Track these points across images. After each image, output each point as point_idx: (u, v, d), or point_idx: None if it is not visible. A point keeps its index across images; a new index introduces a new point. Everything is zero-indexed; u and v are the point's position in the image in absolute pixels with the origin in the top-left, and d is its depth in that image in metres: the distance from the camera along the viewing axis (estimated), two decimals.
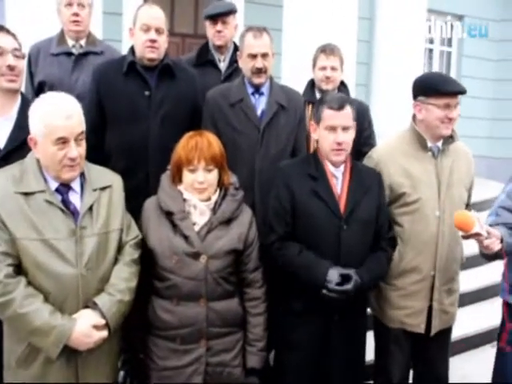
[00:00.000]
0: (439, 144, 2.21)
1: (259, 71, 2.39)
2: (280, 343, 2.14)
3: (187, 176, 1.93)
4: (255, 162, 2.36)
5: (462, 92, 2.08)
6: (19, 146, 1.95)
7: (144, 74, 2.40)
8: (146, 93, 2.39)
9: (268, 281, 2.10)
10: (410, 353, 2.33)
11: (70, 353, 1.73)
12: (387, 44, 6.05)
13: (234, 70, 2.85)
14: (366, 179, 2.10)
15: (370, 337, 2.48)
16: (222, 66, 2.98)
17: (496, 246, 1.97)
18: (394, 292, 2.25)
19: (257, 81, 2.41)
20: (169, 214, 1.94)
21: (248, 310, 2.05)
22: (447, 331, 2.37)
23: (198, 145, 1.92)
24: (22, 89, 2.87)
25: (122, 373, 2.12)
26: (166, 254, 1.91)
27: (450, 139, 2.21)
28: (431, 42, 7.50)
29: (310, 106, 2.76)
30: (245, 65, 2.43)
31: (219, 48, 2.97)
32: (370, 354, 2.61)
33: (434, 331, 2.25)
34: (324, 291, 1.93)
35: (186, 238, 1.91)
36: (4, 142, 1.99)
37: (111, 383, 1.90)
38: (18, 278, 1.68)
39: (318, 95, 2.91)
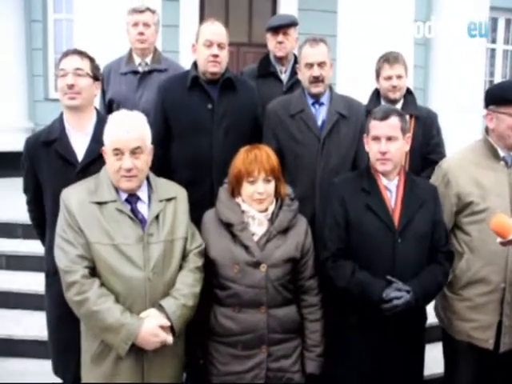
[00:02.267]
0: None
1: (316, 80, 2.39)
2: (333, 356, 2.12)
3: (247, 188, 1.99)
4: (316, 173, 2.36)
5: None
6: (95, 159, 2.09)
7: (207, 87, 2.47)
8: (209, 106, 2.46)
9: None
10: (479, 370, 2.22)
11: (137, 353, 1.83)
12: (445, 45, 5.90)
13: (295, 81, 2.86)
14: (420, 193, 2.07)
15: (436, 349, 2.45)
16: (284, 77, 3.03)
17: None
18: (461, 303, 2.18)
19: (314, 90, 2.41)
20: (228, 226, 2.00)
21: (305, 317, 2.08)
22: None
23: (258, 157, 1.99)
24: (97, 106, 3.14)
25: (184, 374, 2.19)
26: (227, 263, 1.98)
27: None
28: (493, 41, 7.24)
29: None
30: (303, 75, 2.45)
31: (280, 59, 3.03)
32: (436, 367, 2.59)
33: (503, 348, 2.13)
34: (384, 305, 1.89)
35: (246, 247, 1.97)
36: (82, 156, 2.14)
37: None
38: (93, 279, 1.81)
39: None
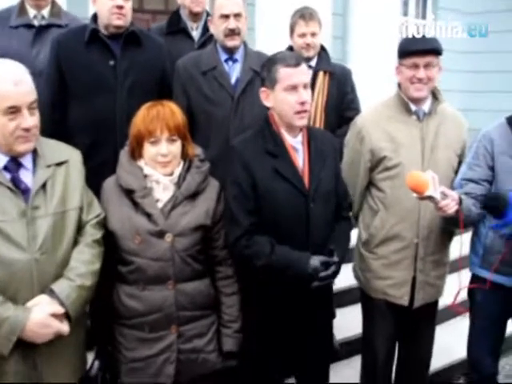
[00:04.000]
0: (425, 107, 2.04)
1: (232, 32, 2.15)
2: (247, 331, 1.87)
3: (149, 149, 1.68)
4: (230, 134, 2.13)
5: (428, 50, 1.93)
6: None
7: (108, 42, 2.15)
8: (111, 62, 2.15)
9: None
10: (396, 328, 2.17)
11: (25, 348, 1.49)
12: (362, 18, 5.84)
13: (207, 38, 2.61)
14: (322, 147, 1.85)
15: (357, 310, 2.36)
16: (195, 34, 2.74)
17: (451, 208, 1.79)
18: (376, 261, 2.10)
19: (230, 43, 2.17)
20: (129, 192, 1.69)
21: (221, 290, 1.83)
22: (433, 306, 2.19)
23: (160, 114, 1.67)
24: None
25: (96, 364, 1.86)
26: (128, 235, 1.68)
27: (436, 101, 2.06)
28: (405, 14, 7.34)
29: None
30: (217, 28, 2.19)
31: (195, 15, 2.74)
32: (359, 328, 2.44)
33: (417, 304, 2.08)
34: (315, 283, 1.70)
35: (148, 216, 1.67)
36: None
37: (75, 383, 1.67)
38: None
39: None
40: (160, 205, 1.70)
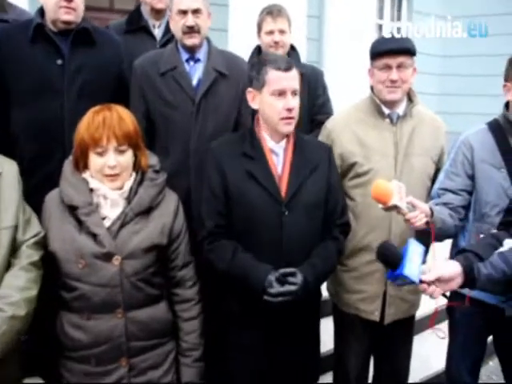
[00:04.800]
0: (400, 110, 1.93)
1: (191, 30, 1.98)
2: (216, 350, 1.75)
3: (95, 160, 1.50)
4: (190, 140, 1.96)
5: (400, 50, 1.83)
6: None
7: (55, 39, 1.94)
8: (59, 61, 1.94)
9: (201, 277, 1.73)
10: (370, 344, 2.06)
11: None
12: (338, 20, 5.74)
13: (171, 37, 2.38)
14: (313, 154, 1.74)
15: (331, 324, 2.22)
16: (157, 32, 2.55)
17: (420, 221, 1.67)
18: (347, 273, 1.99)
19: (189, 42, 2.00)
20: (73, 209, 1.50)
21: (179, 315, 1.66)
22: (408, 321, 2.08)
23: (107, 121, 1.49)
24: None
25: None
26: (71, 257, 1.49)
27: (411, 104, 1.94)
28: (381, 17, 7.28)
29: None
30: (175, 25, 2.02)
31: (158, 12, 2.56)
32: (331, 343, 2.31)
33: (388, 320, 1.97)
34: (266, 297, 1.57)
35: (94, 236, 1.49)
36: None
37: None
38: None
39: None
40: (107, 223, 1.52)
